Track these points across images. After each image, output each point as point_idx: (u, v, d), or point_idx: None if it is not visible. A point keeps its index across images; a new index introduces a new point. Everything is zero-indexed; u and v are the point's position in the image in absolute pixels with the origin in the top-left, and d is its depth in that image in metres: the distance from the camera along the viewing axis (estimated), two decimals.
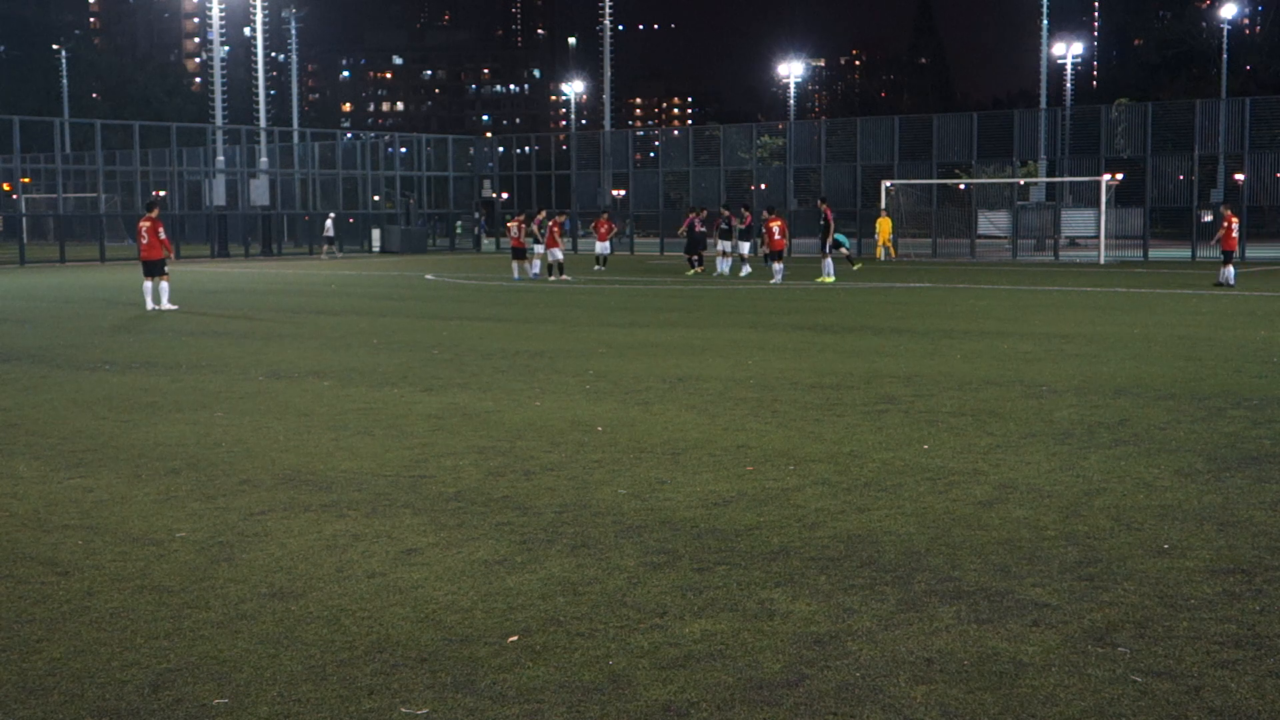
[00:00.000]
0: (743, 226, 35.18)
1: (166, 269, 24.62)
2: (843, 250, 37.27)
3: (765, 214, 33.18)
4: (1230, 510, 7.39)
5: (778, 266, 31.66)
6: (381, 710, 4.58)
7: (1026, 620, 5.47)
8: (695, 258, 37.17)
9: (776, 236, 31.53)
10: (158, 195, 58.46)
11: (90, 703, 4.67)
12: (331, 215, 54.83)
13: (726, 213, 36.70)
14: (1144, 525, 7.07)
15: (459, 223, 63.43)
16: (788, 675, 4.87)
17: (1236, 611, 5.58)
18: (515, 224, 34.82)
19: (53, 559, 6.63)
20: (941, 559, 6.42)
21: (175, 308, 24.19)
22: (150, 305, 24.19)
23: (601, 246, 39.69)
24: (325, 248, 53.20)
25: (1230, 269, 28.95)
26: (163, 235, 24.57)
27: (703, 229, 37.50)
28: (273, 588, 6.05)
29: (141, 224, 24.87)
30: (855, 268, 37.93)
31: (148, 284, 24.47)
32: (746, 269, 35.19)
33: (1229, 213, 29.90)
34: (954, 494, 7.86)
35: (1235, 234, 29.47)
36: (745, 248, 35.34)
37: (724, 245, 35.86)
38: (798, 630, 5.38)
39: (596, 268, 38.62)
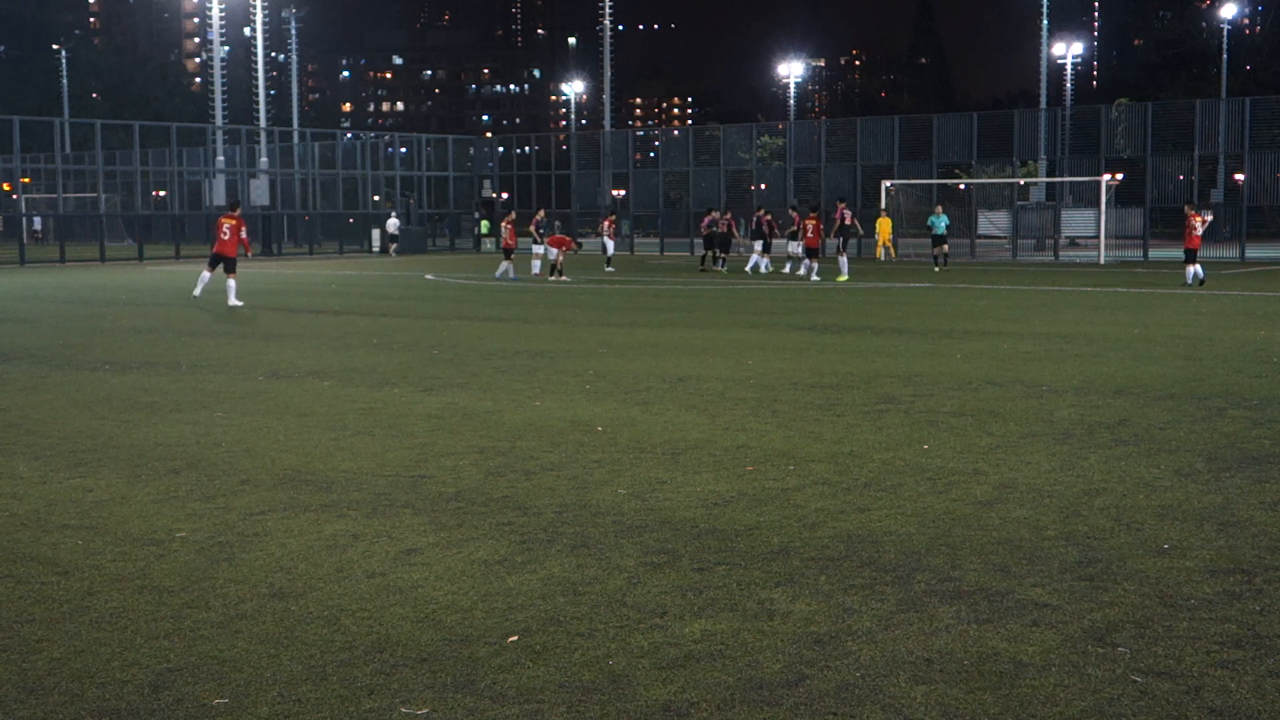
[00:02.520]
0: (794, 227, 36.67)
1: (237, 268, 25.70)
2: (941, 238, 38.31)
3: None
4: (1230, 510, 7.39)
5: (811, 264, 33.07)
6: (381, 710, 4.58)
7: (1026, 620, 5.46)
8: (720, 256, 38.52)
9: (810, 234, 32.86)
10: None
11: (90, 703, 4.67)
12: (395, 213, 56.59)
13: (760, 211, 38.51)
14: (1144, 525, 7.07)
15: (424, 226, 63.18)
16: (788, 675, 4.87)
17: (1236, 611, 5.58)
18: (505, 224, 35.17)
19: (53, 559, 6.63)
20: (941, 559, 6.42)
21: (240, 304, 24.78)
22: (198, 293, 25.43)
23: (610, 245, 40.46)
24: (391, 246, 54.02)
25: (1193, 268, 29.09)
26: (244, 234, 25.70)
27: (713, 230, 38.61)
28: (273, 588, 6.05)
29: (224, 221, 25.72)
30: (935, 269, 38.20)
31: (206, 274, 25.80)
32: (789, 266, 36.75)
33: (1192, 212, 30.12)
34: (954, 494, 7.86)
35: (1198, 233, 29.68)
36: (793, 246, 36.58)
37: (758, 244, 37.36)
38: (798, 630, 5.38)
39: (608, 269, 38.84)
